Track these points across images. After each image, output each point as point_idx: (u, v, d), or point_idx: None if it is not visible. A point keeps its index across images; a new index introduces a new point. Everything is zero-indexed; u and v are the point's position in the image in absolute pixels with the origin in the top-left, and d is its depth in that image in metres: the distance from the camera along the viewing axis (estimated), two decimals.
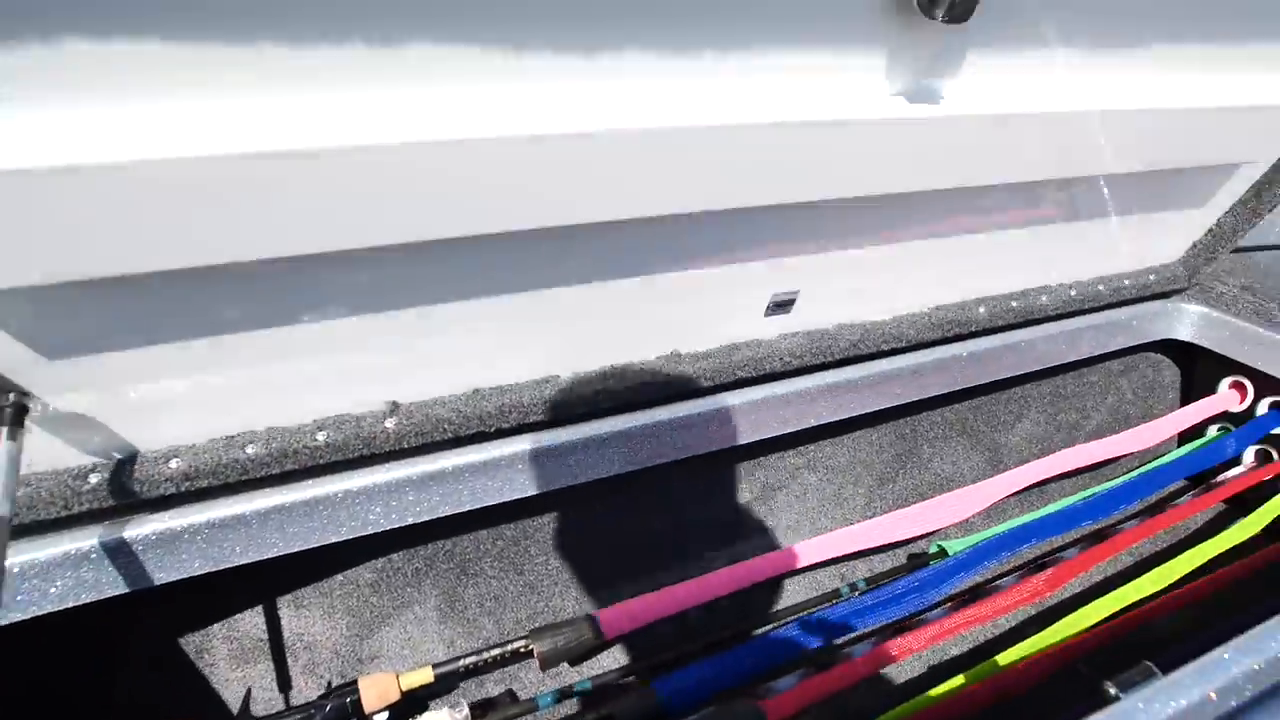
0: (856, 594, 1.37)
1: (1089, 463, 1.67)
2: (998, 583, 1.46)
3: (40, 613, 0.97)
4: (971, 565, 1.39)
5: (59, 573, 0.97)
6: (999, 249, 1.50)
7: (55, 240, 0.72)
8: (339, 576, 1.26)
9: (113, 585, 1.00)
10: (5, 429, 0.86)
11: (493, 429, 1.15)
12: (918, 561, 1.52)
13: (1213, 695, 0.88)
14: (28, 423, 0.90)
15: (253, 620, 1.25)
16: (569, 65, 0.80)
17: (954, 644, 1.54)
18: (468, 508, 1.14)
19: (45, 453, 0.96)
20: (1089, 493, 1.65)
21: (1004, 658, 1.25)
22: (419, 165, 0.80)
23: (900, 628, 1.33)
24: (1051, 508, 1.57)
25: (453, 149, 0.80)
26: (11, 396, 0.87)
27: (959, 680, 1.21)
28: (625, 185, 0.93)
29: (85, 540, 0.98)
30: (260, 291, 0.92)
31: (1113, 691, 0.90)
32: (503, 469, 1.15)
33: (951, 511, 1.47)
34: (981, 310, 1.53)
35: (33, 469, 0.97)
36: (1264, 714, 0.87)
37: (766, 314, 1.33)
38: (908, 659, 1.35)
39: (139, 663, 1.18)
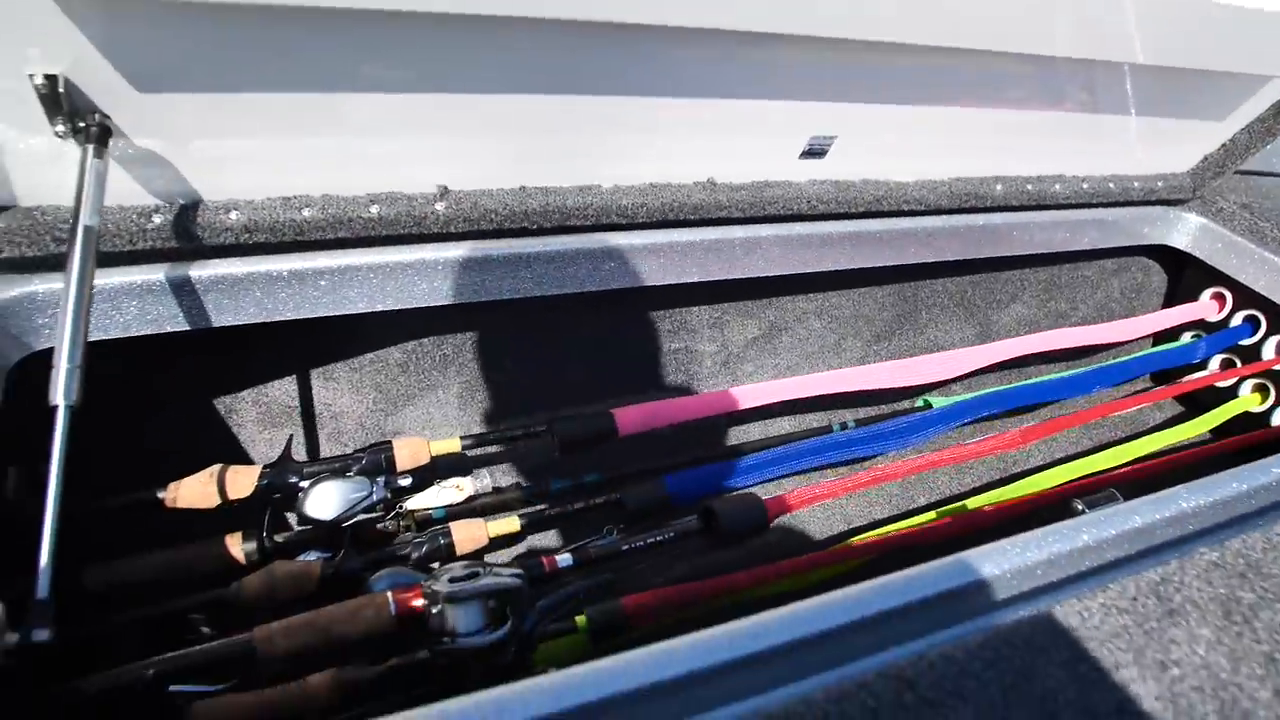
0: (844, 430, 1.48)
1: (1068, 345, 1.78)
2: (971, 437, 1.57)
3: (104, 337, 1.03)
4: (952, 418, 1.49)
5: (124, 302, 1.02)
6: (1024, 131, 1.55)
7: None
8: (369, 354, 1.33)
9: (170, 321, 1.05)
10: (92, 146, 0.89)
11: (535, 226, 1.20)
12: (903, 411, 1.62)
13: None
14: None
15: (283, 387, 1.32)
16: None
17: (922, 491, 1.68)
18: (505, 296, 1.20)
19: (116, 187, 0.99)
20: (1063, 374, 1.76)
21: (971, 503, 1.38)
22: None
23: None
24: (1027, 383, 1.67)
25: None
26: (97, 117, 0.90)
27: (929, 515, 1.34)
28: None
29: (148, 275, 1.02)
30: (338, 53, 0.94)
31: (1080, 507, 1.01)
32: (540, 264, 1.21)
33: (941, 368, 1.57)
34: (999, 188, 1.59)
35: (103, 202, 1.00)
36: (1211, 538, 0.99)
37: (800, 157, 1.38)
38: (885, 485, 1.45)
39: (174, 409, 1.24)
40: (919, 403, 1.60)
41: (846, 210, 1.44)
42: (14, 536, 0.86)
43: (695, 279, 1.33)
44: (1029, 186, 1.62)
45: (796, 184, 1.40)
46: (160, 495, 1.06)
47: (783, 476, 1.36)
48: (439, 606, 0.92)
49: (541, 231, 1.21)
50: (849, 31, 1.10)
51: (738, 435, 1.62)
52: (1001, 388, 1.64)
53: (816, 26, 1.08)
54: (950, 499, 1.63)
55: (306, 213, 1.07)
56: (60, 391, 0.78)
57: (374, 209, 1.10)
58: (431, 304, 1.17)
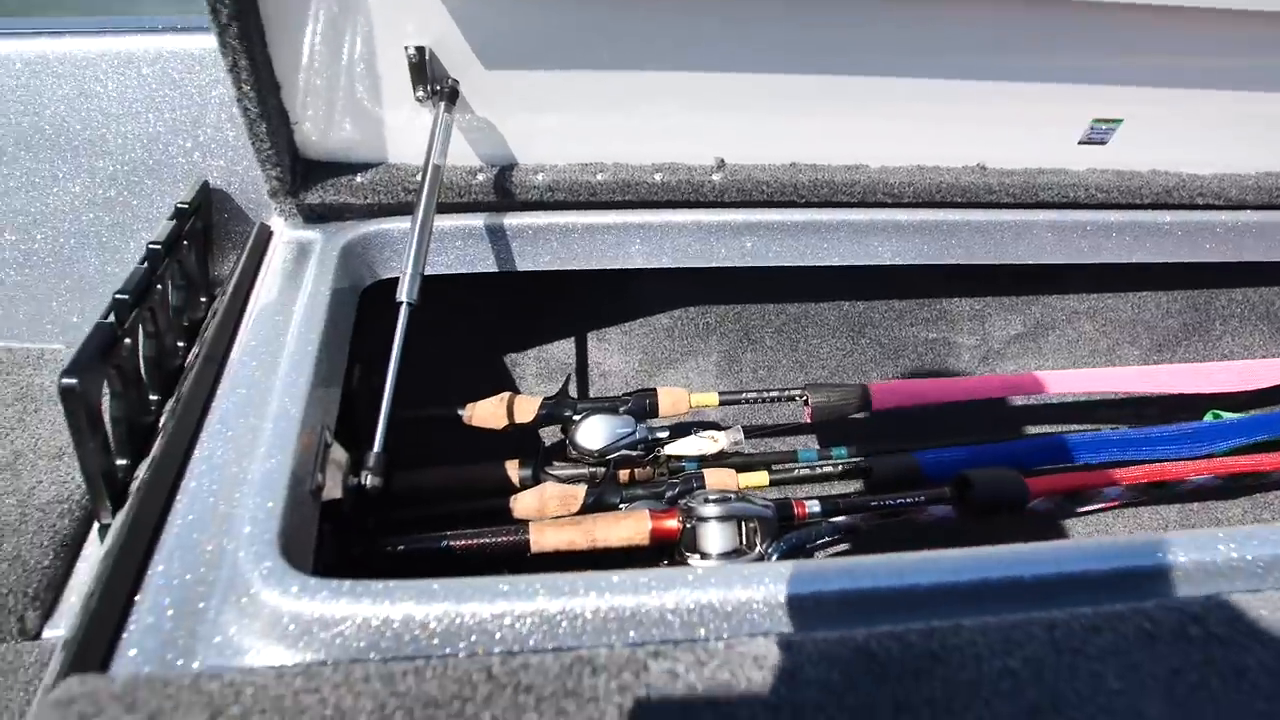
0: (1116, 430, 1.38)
1: None
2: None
3: (431, 272, 1.21)
4: (1248, 433, 1.34)
5: (451, 244, 1.20)
6: None
7: None
8: (639, 319, 1.45)
9: (482, 262, 1.22)
10: (444, 103, 1.08)
11: (803, 200, 1.26)
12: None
13: None
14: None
15: (561, 347, 1.47)
16: None
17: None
18: (770, 263, 1.27)
19: (451, 150, 1.18)
20: None
21: None
22: None
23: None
24: None
25: None
26: (450, 81, 1.09)
27: None
28: None
29: (469, 221, 1.20)
30: (643, 35, 1.07)
31: None
32: (806, 234, 1.26)
33: (1237, 378, 1.41)
34: None
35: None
36: None
37: (1080, 143, 1.34)
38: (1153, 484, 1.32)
39: (476, 348, 1.43)
40: (1207, 416, 1.45)
41: (1130, 202, 1.36)
42: (353, 418, 1.05)
43: (959, 260, 1.32)
44: None
45: (1074, 171, 1.35)
46: (461, 413, 1.22)
47: (1044, 470, 1.29)
48: (692, 523, 0.99)
49: (809, 205, 1.27)
50: None
51: (991, 428, 1.55)
52: None
53: None
54: None
55: (600, 176, 1.21)
56: (404, 291, 0.95)
57: (658, 176, 1.22)
58: (703, 265, 1.26)
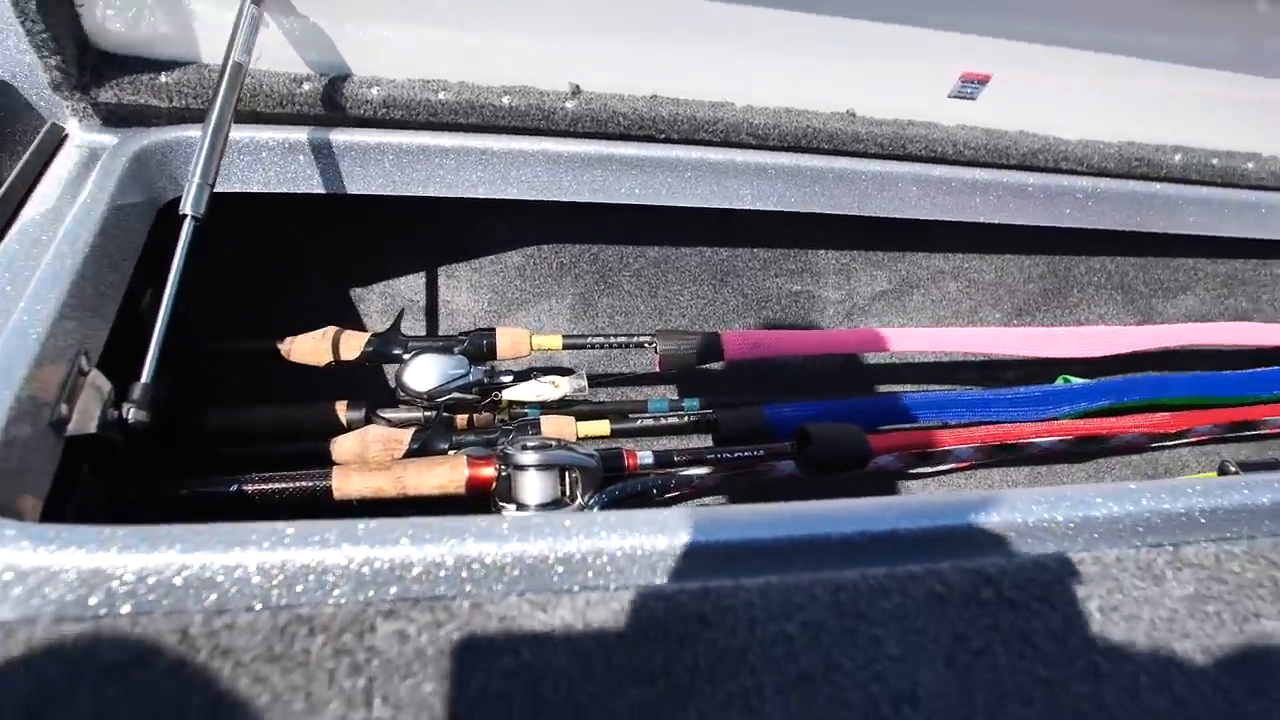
0: (968, 390, 1.38)
1: (1255, 343, 1.57)
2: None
3: (245, 189, 1.10)
4: (1094, 397, 1.36)
5: (270, 158, 1.09)
6: (1216, 96, 1.40)
7: None
8: (490, 256, 1.36)
9: (305, 182, 1.11)
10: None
11: (662, 135, 1.19)
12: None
13: None
14: (265, 16, 1.01)
15: (409, 282, 1.37)
16: None
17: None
18: (624, 200, 1.20)
19: (275, 54, 1.07)
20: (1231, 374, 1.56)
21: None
22: None
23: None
24: (1198, 374, 1.49)
25: None
26: None
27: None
28: None
29: (290, 134, 1.08)
30: None
31: (1233, 469, 0.89)
32: (664, 171, 1.19)
33: (1085, 344, 1.42)
34: (1177, 158, 1.44)
35: (260, 65, 1.08)
36: None
37: (950, 97, 1.31)
38: (1001, 445, 1.33)
39: (309, 278, 1.32)
40: (1057, 381, 1.47)
41: (996, 161, 1.34)
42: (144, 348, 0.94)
43: (822, 209, 1.27)
44: (1214, 161, 1.46)
45: (943, 126, 1.32)
46: (279, 346, 1.12)
47: (896, 429, 1.28)
48: (509, 471, 0.92)
49: (668, 141, 1.20)
50: None
51: (849, 384, 1.54)
52: (1166, 374, 1.48)
53: None
54: None
55: (442, 95, 1.11)
56: (189, 203, 0.84)
57: (505, 99, 1.12)
58: (547, 198, 1.18)
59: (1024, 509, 0.72)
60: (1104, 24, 1.24)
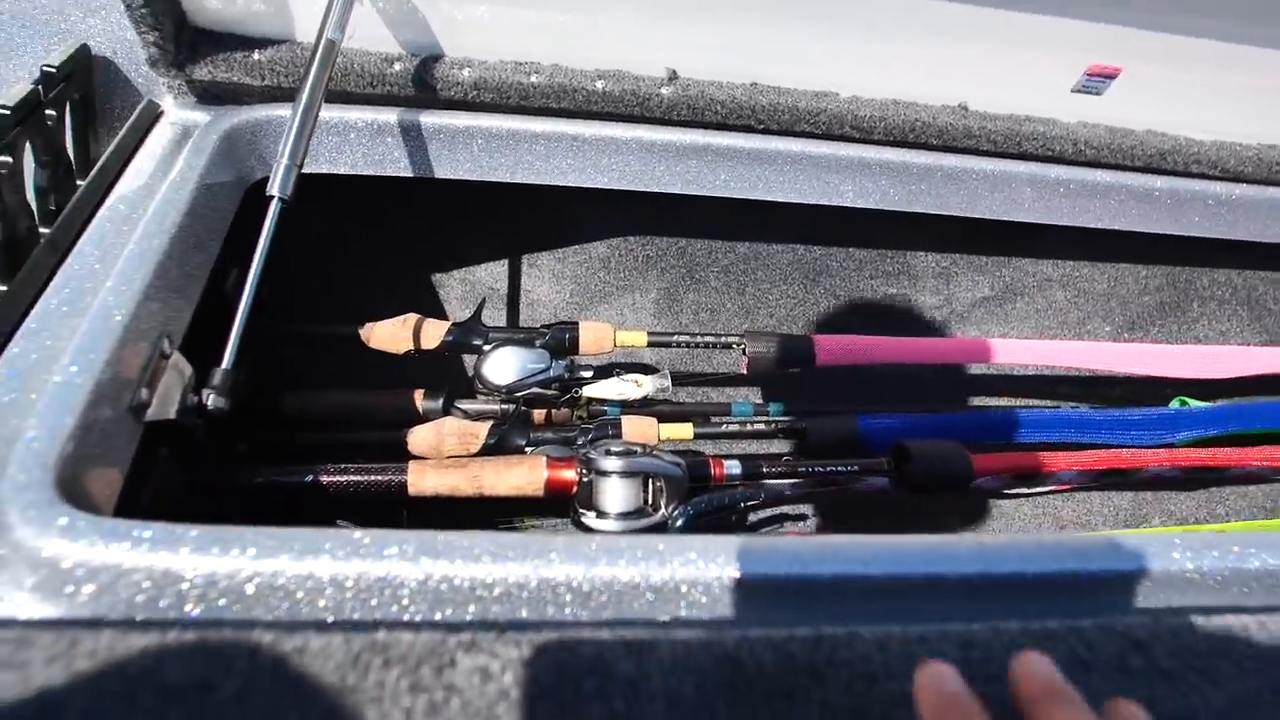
0: (1077, 409, 1.28)
1: None
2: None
3: (332, 170, 1.08)
4: (1215, 424, 1.25)
5: (357, 140, 1.06)
6: None
7: None
8: (575, 246, 1.32)
9: (392, 165, 1.09)
10: None
11: (761, 126, 1.13)
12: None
13: None
14: None
15: (490, 269, 1.34)
16: None
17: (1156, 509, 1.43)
18: (714, 193, 1.14)
19: (366, 31, 1.04)
20: None
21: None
22: None
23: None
24: None
25: None
26: None
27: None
28: None
29: (379, 116, 1.06)
30: None
31: None
32: (761, 163, 1.13)
33: (1208, 365, 1.31)
34: None
35: (351, 44, 1.05)
36: None
37: (1072, 91, 1.21)
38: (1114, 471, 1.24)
39: (389, 262, 1.30)
40: (1174, 402, 1.36)
41: (1119, 163, 1.24)
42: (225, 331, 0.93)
43: (928, 209, 1.19)
44: None
45: (1063, 123, 1.22)
46: (359, 331, 1.10)
47: (995, 446, 1.19)
48: (590, 476, 0.88)
49: (767, 132, 1.14)
50: None
51: (943, 395, 1.46)
52: None
53: None
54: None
55: (535, 78, 1.06)
56: (276, 184, 0.82)
57: (599, 84, 1.08)
58: (640, 188, 1.13)
59: (1164, 555, 0.65)
60: (1248, 16, 1.13)
